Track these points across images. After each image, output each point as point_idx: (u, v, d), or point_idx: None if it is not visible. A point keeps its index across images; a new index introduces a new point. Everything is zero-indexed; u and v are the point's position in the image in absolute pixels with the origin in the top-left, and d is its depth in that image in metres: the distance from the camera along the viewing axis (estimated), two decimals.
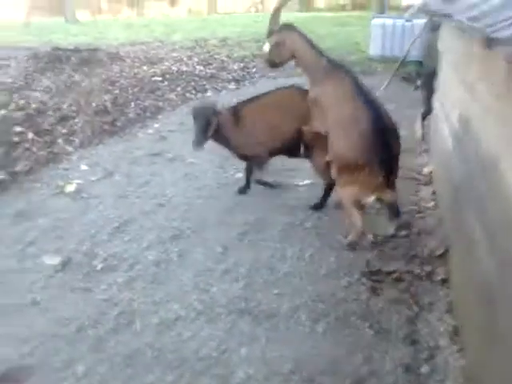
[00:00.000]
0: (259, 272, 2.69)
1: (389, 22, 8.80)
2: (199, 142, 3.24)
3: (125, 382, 1.94)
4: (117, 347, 2.14)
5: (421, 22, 8.16)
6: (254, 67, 9.26)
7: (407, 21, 8.60)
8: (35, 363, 2.05)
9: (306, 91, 3.17)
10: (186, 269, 2.73)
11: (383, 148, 2.67)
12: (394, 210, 2.84)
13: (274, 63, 3.24)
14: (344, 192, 2.86)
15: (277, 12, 3.20)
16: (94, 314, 2.35)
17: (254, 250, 2.92)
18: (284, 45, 3.06)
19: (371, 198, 2.76)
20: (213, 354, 2.08)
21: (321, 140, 3.01)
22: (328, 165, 3.02)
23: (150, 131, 5.41)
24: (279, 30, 3.11)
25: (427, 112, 4.69)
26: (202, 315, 2.33)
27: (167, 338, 2.18)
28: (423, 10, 3.94)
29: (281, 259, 2.81)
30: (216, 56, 10.48)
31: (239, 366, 2.01)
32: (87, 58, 9.13)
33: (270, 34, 3.14)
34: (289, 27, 3.11)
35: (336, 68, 3.01)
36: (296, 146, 3.34)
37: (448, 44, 3.64)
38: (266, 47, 3.11)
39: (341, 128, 2.84)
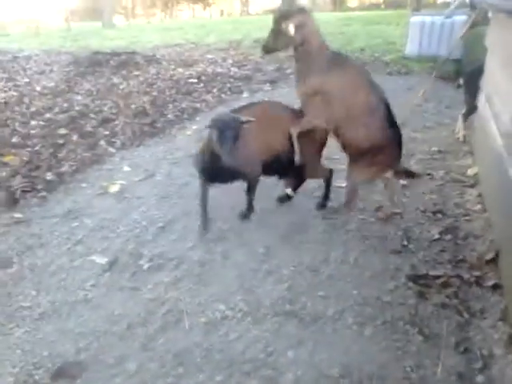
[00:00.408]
0: (302, 274, 2.68)
1: (428, 19, 8.60)
2: (232, 155, 2.73)
3: (176, 380, 1.98)
4: (166, 345, 2.18)
5: (461, 18, 7.97)
6: (288, 68, 9.24)
7: (447, 18, 8.39)
8: (90, 359, 2.12)
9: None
10: (229, 269, 2.76)
11: (394, 126, 2.93)
12: (411, 172, 3.43)
13: (272, 48, 2.98)
14: (364, 173, 3.02)
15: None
16: (142, 313, 2.41)
17: (296, 251, 2.92)
18: (303, 28, 2.80)
19: (391, 173, 3.11)
20: (260, 356, 2.10)
21: (310, 136, 3.06)
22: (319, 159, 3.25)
23: (189, 132, 5.48)
24: (298, 11, 2.82)
25: (470, 112, 4.59)
26: (248, 316, 2.35)
27: (215, 338, 2.21)
28: (473, 4, 3.83)
29: (324, 261, 2.80)
30: (250, 57, 10.54)
31: (287, 368, 2.02)
32: (125, 61, 9.39)
33: (283, 15, 2.84)
34: (305, 10, 2.87)
35: (341, 57, 3.01)
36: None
37: (497, 39, 3.54)
38: (292, 28, 2.74)
39: (359, 115, 2.85)
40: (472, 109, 4.49)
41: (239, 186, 3.27)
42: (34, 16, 18.51)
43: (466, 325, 2.21)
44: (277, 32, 2.88)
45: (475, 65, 4.49)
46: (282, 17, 2.86)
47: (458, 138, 4.73)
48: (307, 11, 2.90)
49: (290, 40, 2.85)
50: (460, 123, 4.77)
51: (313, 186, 3.64)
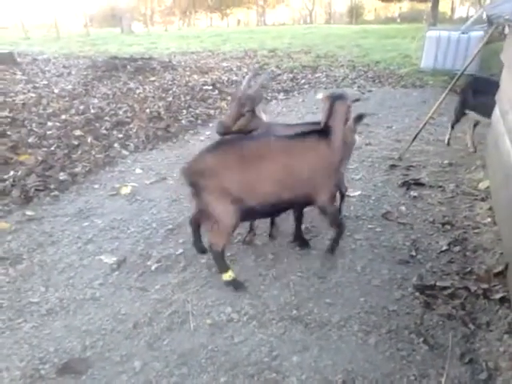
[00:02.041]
0: (310, 280, 2.69)
1: (444, 34, 8.62)
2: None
3: (180, 380, 1.99)
4: (171, 345, 2.20)
5: (477, 34, 7.98)
6: (302, 78, 9.30)
7: (463, 33, 8.40)
8: (96, 356, 2.14)
9: None
10: (237, 273, 2.76)
11: None
12: None
13: (229, 131, 2.78)
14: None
15: (250, 81, 2.98)
16: (149, 313, 2.43)
17: (304, 258, 2.92)
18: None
19: None
20: (264, 359, 2.11)
21: None
22: None
23: (202, 138, 5.53)
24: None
25: (454, 122, 4.90)
26: (254, 320, 2.36)
27: (220, 340, 2.22)
28: (490, 19, 3.85)
29: (331, 269, 2.80)
30: (265, 66, 10.62)
31: (291, 373, 2.02)
32: (142, 66, 9.52)
33: (239, 99, 2.79)
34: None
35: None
36: None
37: None
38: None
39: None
40: (457, 119, 4.83)
41: None
42: (54, 21, 18.82)
43: (472, 336, 2.19)
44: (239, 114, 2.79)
45: (468, 78, 4.97)
46: (235, 102, 2.80)
47: (469, 150, 4.74)
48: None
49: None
50: (469, 136, 4.80)
51: None
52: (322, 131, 2.61)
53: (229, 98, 7.45)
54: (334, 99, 2.62)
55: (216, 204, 2.43)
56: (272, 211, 2.73)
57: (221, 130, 2.73)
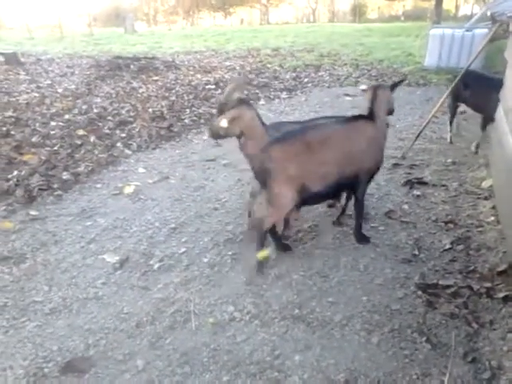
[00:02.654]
0: (312, 279, 2.68)
1: (448, 31, 8.58)
2: None
3: (182, 379, 2.00)
4: (174, 344, 2.20)
5: (482, 31, 7.93)
6: (305, 77, 9.29)
7: (467, 31, 8.36)
8: (98, 355, 2.15)
9: None
10: (239, 272, 2.77)
11: None
12: None
13: (216, 135, 2.89)
14: None
15: (233, 90, 3.04)
16: (151, 311, 2.43)
17: (307, 256, 2.92)
18: (239, 121, 2.81)
19: None
20: (267, 359, 2.10)
21: None
22: None
23: (205, 137, 5.53)
24: (237, 103, 2.85)
25: (451, 117, 5.02)
26: (256, 319, 2.36)
27: (222, 339, 2.23)
28: (495, 17, 3.84)
29: (334, 267, 2.79)
30: (268, 65, 10.62)
31: (294, 372, 2.02)
32: (145, 66, 9.54)
33: (219, 108, 2.93)
34: (244, 103, 2.88)
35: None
36: None
37: None
38: (224, 123, 2.76)
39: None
40: (453, 114, 4.97)
41: (249, 191, 3.29)
42: (58, 21, 18.90)
43: (475, 335, 2.18)
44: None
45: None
46: (218, 110, 2.95)
47: (472, 150, 4.73)
48: (246, 103, 2.89)
49: (227, 131, 2.83)
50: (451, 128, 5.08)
51: None
52: (367, 116, 2.91)
53: None
54: (377, 88, 2.95)
55: (280, 189, 2.64)
56: (328, 193, 2.92)
57: (211, 133, 2.89)
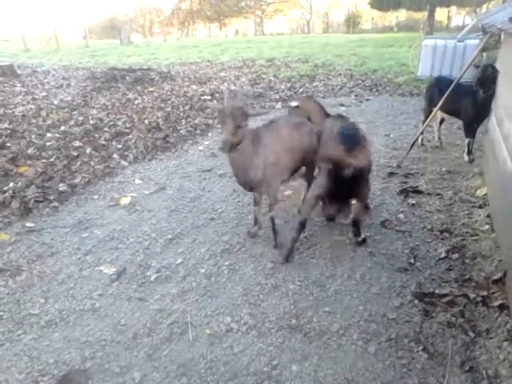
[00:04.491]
0: (309, 289, 2.69)
1: (440, 42, 8.70)
2: None
3: None
4: (171, 356, 2.20)
5: (473, 42, 8.04)
6: (300, 87, 9.36)
7: (459, 41, 8.48)
8: (95, 367, 2.14)
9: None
10: (236, 283, 2.77)
11: None
12: None
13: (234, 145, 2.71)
14: None
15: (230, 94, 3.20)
16: (148, 323, 2.43)
17: (304, 266, 2.93)
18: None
19: None
20: (264, 369, 2.10)
21: None
22: None
23: (201, 148, 5.55)
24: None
25: (425, 119, 5.10)
26: (253, 329, 2.36)
27: (219, 350, 2.22)
28: (486, 29, 3.91)
29: (330, 277, 2.80)
30: (263, 76, 10.69)
31: (291, 382, 2.02)
32: (140, 77, 9.57)
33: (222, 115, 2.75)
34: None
35: None
36: None
37: (509, 62, 3.56)
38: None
39: None
40: (426, 117, 5.10)
41: (249, 201, 3.31)
42: (53, 33, 18.98)
43: (472, 344, 2.19)
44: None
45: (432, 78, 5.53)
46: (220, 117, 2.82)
47: (465, 159, 4.77)
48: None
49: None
50: (435, 130, 5.38)
51: None
52: None
53: None
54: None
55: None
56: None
57: (227, 147, 2.73)
